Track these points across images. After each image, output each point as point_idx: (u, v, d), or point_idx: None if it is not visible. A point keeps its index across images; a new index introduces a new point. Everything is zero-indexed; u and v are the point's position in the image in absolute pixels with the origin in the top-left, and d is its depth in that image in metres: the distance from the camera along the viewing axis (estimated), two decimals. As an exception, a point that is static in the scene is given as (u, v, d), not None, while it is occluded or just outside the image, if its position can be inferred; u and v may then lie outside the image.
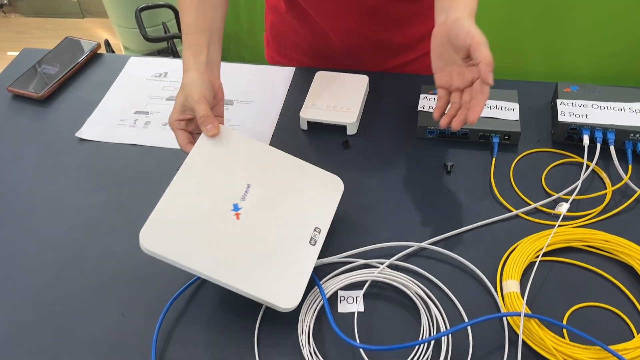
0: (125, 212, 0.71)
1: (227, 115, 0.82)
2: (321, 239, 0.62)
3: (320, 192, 0.65)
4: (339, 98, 0.79)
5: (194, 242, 0.57)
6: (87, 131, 0.81)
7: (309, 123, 0.78)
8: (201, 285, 0.63)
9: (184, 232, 0.58)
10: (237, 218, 0.60)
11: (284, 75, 0.88)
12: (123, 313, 0.61)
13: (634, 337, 0.55)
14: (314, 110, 0.78)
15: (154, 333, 0.58)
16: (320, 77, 0.83)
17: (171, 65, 0.92)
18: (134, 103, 0.85)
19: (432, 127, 0.75)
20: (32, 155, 0.79)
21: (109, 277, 0.64)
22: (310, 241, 0.61)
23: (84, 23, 2.76)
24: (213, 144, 0.64)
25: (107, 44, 2.02)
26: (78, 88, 0.89)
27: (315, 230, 0.62)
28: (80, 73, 0.92)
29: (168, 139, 0.79)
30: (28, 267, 0.65)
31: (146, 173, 0.75)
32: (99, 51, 0.95)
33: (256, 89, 0.87)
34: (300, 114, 0.78)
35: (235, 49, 2.14)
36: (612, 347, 0.52)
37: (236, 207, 0.61)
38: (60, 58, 0.92)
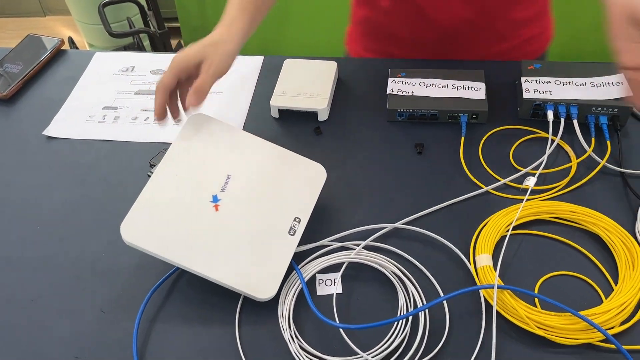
0: (99, 208, 0.70)
1: (198, 107, 0.82)
2: (301, 228, 0.62)
3: (302, 181, 0.65)
4: (309, 85, 0.80)
5: (174, 234, 0.58)
6: (54, 129, 0.80)
7: (280, 111, 0.79)
8: (181, 277, 0.63)
9: (164, 224, 0.59)
10: (216, 210, 0.61)
11: (253, 64, 0.88)
12: (102, 309, 0.60)
13: (602, 302, 0.57)
14: (284, 97, 0.78)
15: (134, 327, 0.58)
16: (289, 64, 0.84)
17: (138, 59, 0.91)
18: (102, 98, 0.84)
19: (402, 110, 0.76)
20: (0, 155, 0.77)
21: (86, 273, 0.64)
22: (289, 231, 0.61)
23: (47, 21, 2.70)
24: (195, 133, 0.65)
25: (71, 41, 1.98)
26: (43, 86, 0.88)
27: (295, 220, 0.62)
28: (44, 71, 0.90)
29: (138, 133, 0.78)
30: (3, 267, 0.64)
31: (117, 168, 0.75)
32: (62, 48, 0.93)
33: (225, 79, 0.86)
34: (271, 102, 0.78)
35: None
36: (582, 313, 0.54)
37: (215, 199, 0.61)
38: (23, 56, 0.90)
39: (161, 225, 0.59)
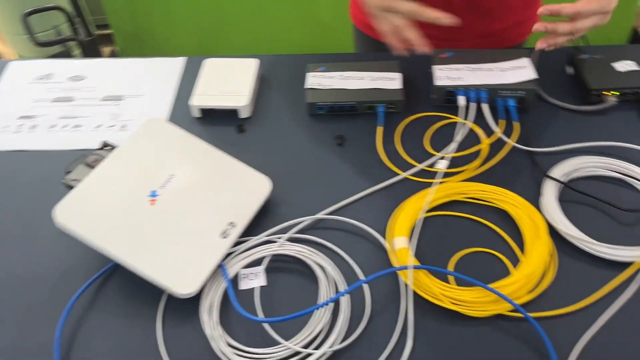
0: (17, 219, 0.68)
1: (118, 111, 0.81)
2: (235, 233, 0.63)
3: (243, 190, 0.66)
4: (230, 83, 0.80)
5: (105, 222, 0.59)
6: (-33, 142, 0.77)
7: (202, 110, 0.79)
8: (104, 283, 0.62)
9: (97, 211, 0.60)
10: (152, 204, 0.62)
11: (173, 66, 0.88)
12: (22, 319, 0.59)
13: (510, 274, 0.60)
14: (204, 97, 0.78)
15: (56, 332, 0.57)
16: (209, 64, 0.84)
17: (55, 67, 0.89)
18: (18, 108, 0.82)
19: (321, 103, 0.77)
20: None
21: (4, 284, 0.62)
22: (222, 234, 0.62)
23: (-29, 34, 2.58)
24: (148, 135, 0.67)
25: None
26: (-45, 98, 0.85)
27: (230, 224, 0.63)
28: (-45, 83, 0.87)
29: (56, 142, 0.77)
30: None
31: (34, 178, 0.73)
32: (-25, 58, 0.90)
33: (146, 82, 0.86)
34: (191, 101, 0.78)
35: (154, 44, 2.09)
36: (492, 285, 0.57)
37: (153, 194, 0.62)
38: None
39: (94, 212, 0.60)
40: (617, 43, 1.99)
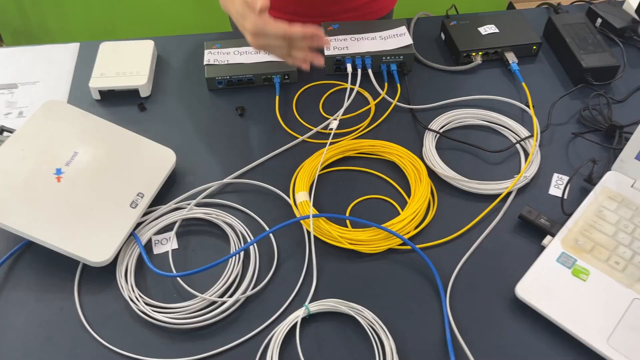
0: None
1: (13, 99, 0.80)
2: (144, 203, 0.65)
3: (149, 162, 0.69)
4: (127, 64, 0.82)
5: (13, 202, 0.60)
6: None
7: (101, 92, 0.80)
8: (16, 260, 0.63)
9: (4, 192, 0.61)
10: (58, 181, 0.63)
11: (68, 52, 0.88)
12: None
13: (399, 214, 0.68)
14: (103, 79, 0.80)
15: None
16: (105, 47, 0.85)
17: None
18: None
19: (220, 77, 0.81)
20: None
21: None
22: (131, 204, 0.64)
23: None
24: (47, 116, 0.68)
25: None
26: None
27: (138, 195, 0.65)
28: None
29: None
30: None
31: None
32: None
33: (41, 69, 0.85)
34: (89, 84, 0.79)
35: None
36: (384, 225, 0.65)
37: (59, 172, 0.64)
38: None
39: (1, 194, 0.60)
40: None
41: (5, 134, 0.69)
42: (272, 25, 0.65)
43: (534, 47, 0.86)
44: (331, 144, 0.74)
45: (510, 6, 2.22)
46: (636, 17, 0.89)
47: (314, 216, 0.65)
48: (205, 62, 0.82)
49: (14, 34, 1.99)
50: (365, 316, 0.58)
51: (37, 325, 0.58)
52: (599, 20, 0.90)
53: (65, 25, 1.97)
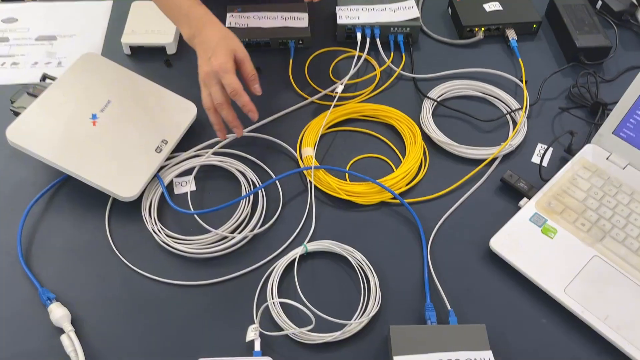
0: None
1: (52, 49, 0.88)
2: (167, 149, 0.74)
3: (172, 113, 0.77)
4: (156, 23, 0.89)
5: (54, 140, 0.69)
6: None
7: (132, 48, 0.88)
8: (55, 193, 0.72)
9: (46, 131, 0.70)
10: (94, 125, 0.72)
11: (101, 9, 0.96)
12: (-17, 228, 0.69)
13: (393, 171, 0.76)
14: (134, 35, 0.88)
15: (18, 232, 0.67)
16: (137, 6, 0.92)
17: (-14, 9, 0.94)
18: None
19: (241, 39, 0.88)
20: None
21: (-38, 202, 0.71)
22: (156, 149, 0.73)
23: None
24: (85, 67, 0.76)
25: None
26: None
27: (162, 141, 0.74)
28: None
29: (-3, 78, 0.84)
30: None
31: (-20, 110, 0.80)
32: None
33: (77, 23, 0.93)
34: (121, 39, 0.87)
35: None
36: (378, 180, 0.73)
37: (94, 117, 0.73)
38: None
39: (43, 131, 0.69)
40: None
41: (47, 80, 0.77)
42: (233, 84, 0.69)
43: (534, 26, 0.92)
44: (336, 106, 0.81)
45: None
46: (634, 1, 0.94)
47: (315, 167, 0.73)
48: (226, 25, 0.89)
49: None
50: (356, 257, 0.67)
51: (72, 247, 0.68)
52: (600, 3, 0.95)
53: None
